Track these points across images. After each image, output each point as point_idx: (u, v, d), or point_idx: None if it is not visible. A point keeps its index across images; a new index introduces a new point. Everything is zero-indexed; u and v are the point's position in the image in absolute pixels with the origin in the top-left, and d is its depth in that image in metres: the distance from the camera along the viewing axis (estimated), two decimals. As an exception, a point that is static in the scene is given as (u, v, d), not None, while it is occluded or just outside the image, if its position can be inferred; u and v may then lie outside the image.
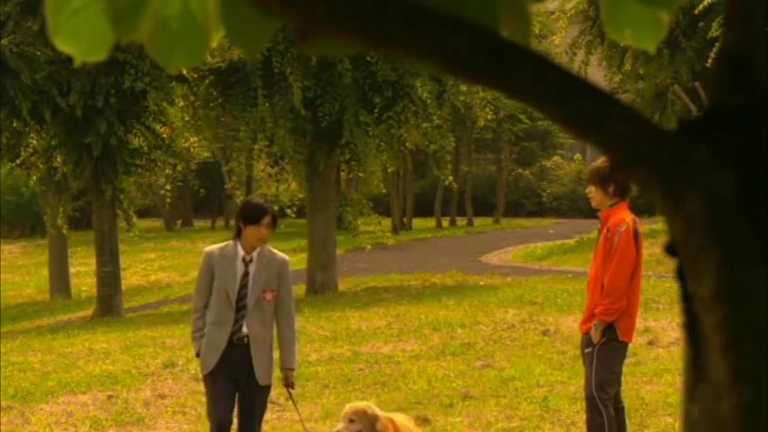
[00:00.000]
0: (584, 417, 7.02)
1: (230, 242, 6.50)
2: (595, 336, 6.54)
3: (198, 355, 6.57)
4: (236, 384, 6.46)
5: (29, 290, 28.03)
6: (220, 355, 6.39)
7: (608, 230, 6.51)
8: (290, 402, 6.98)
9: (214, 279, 6.42)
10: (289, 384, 6.64)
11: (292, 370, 6.63)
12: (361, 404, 6.29)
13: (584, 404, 7.04)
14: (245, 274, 6.40)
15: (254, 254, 6.41)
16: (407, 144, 20.27)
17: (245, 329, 6.40)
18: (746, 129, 1.09)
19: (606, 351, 6.58)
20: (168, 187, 21.93)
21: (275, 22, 1.15)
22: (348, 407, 6.24)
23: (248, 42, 1.14)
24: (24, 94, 17.84)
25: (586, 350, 6.65)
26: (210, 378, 6.49)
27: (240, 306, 6.40)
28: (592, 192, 6.65)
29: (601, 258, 6.56)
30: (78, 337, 15.30)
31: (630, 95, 26.60)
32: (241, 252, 6.41)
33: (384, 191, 23.61)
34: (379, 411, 6.19)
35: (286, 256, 6.62)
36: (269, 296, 6.40)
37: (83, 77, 17.89)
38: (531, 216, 43.97)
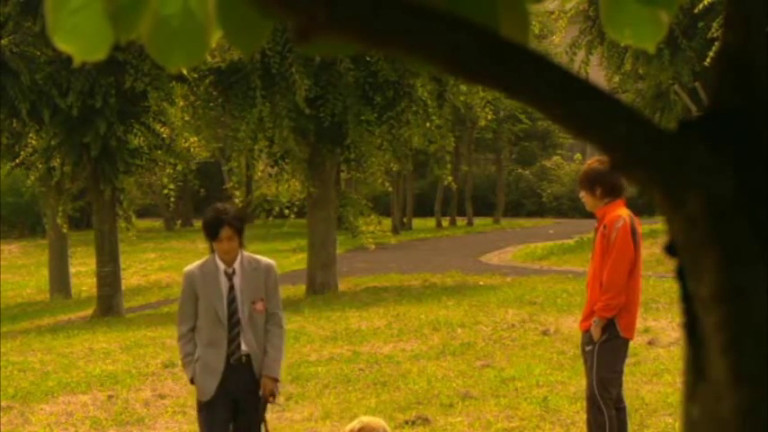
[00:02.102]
0: (584, 417, 7.00)
1: (209, 257, 6.06)
2: (596, 332, 6.51)
3: (192, 381, 6.09)
4: (236, 407, 6.04)
5: (29, 290, 28.03)
6: (220, 379, 5.95)
7: (604, 227, 6.51)
8: (264, 414, 6.19)
9: (198, 300, 5.99)
10: (270, 395, 6.01)
11: (276, 380, 6.04)
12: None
13: (584, 404, 7.02)
14: (231, 288, 5.96)
15: (236, 265, 5.98)
16: (409, 144, 20.29)
17: (243, 348, 5.96)
18: (746, 129, 1.09)
19: (607, 348, 6.55)
20: (172, 186, 21.95)
21: (272, 22, 1.15)
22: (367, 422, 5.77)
23: (245, 41, 1.14)
24: (24, 95, 17.84)
25: (587, 348, 6.61)
26: (208, 408, 6.02)
27: (233, 323, 5.95)
28: (583, 196, 6.67)
29: (599, 256, 6.55)
30: (78, 337, 15.30)
31: (630, 95, 26.60)
32: (222, 266, 5.97)
33: (390, 189, 23.62)
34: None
35: (272, 261, 6.17)
36: (259, 306, 5.98)
37: (82, 77, 17.89)
38: (531, 216, 43.99)
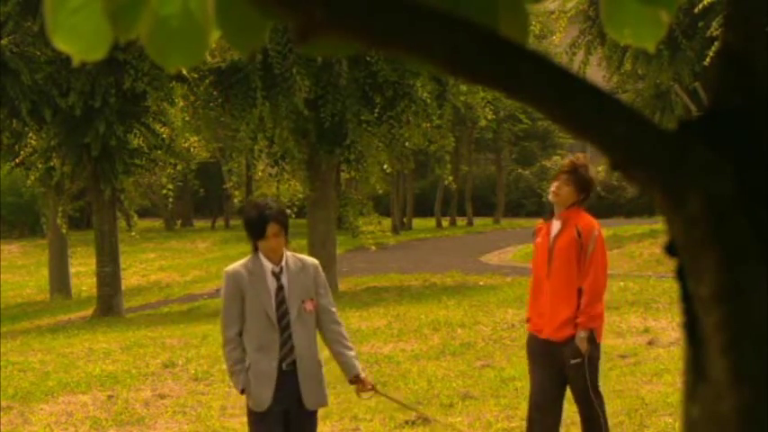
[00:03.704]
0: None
1: (251, 256, 5.68)
2: (584, 345, 6.37)
3: (243, 391, 5.69)
4: (287, 416, 5.71)
5: (29, 290, 28.05)
6: (275, 387, 5.61)
7: (579, 235, 6.41)
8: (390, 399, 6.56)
9: (244, 301, 5.61)
10: (368, 388, 5.90)
11: (360, 374, 5.93)
12: None
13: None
14: (280, 288, 5.63)
15: (283, 264, 5.65)
16: (408, 144, 20.32)
17: (295, 351, 5.67)
18: (746, 129, 1.08)
19: (594, 357, 6.49)
20: (171, 187, 21.98)
21: (271, 22, 1.15)
22: None
23: (244, 42, 1.14)
24: (24, 95, 17.85)
25: (573, 362, 6.40)
26: (263, 420, 5.65)
27: (284, 325, 5.62)
28: (564, 190, 6.42)
29: (574, 263, 6.37)
30: (78, 337, 15.30)
31: (630, 95, 26.63)
32: (268, 265, 5.63)
33: (380, 191, 23.65)
34: None
35: (316, 260, 5.89)
36: (309, 306, 5.66)
37: (82, 77, 17.90)
38: (531, 216, 43.97)
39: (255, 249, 5.67)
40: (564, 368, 6.52)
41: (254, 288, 5.59)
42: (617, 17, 1.27)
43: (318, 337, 5.88)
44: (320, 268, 5.81)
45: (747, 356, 1.04)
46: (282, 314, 5.62)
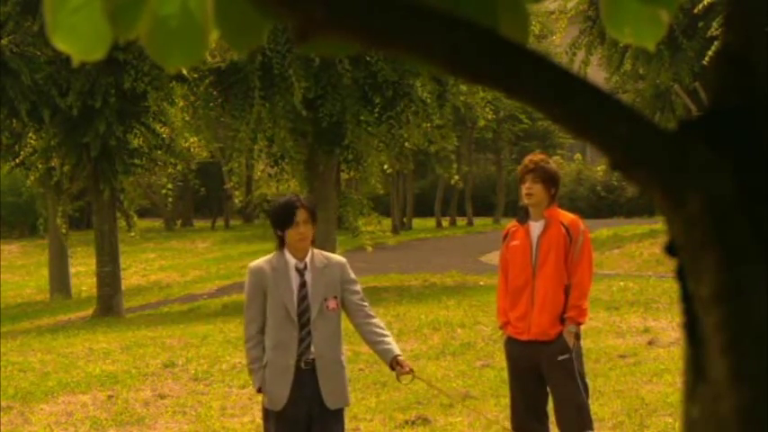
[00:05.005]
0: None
1: (276, 253, 5.61)
2: (572, 340, 6.32)
3: (260, 390, 5.61)
4: (310, 416, 5.56)
5: (29, 290, 28.05)
6: (291, 385, 5.50)
7: (567, 231, 6.40)
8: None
9: (266, 298, 5.53)
10: (406, 371, 5.64)
11: (399, 356, 5.68)
12: None
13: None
14: (303, 284, 5.53)
15: (307, 260, 5.56)
16: (407, 144, 20.33)
17: (312, 350, 5.54)
18: (746, 129, 1.08)
19: (579, 352, 6.48)
20: (170, 186, 21.98)
21: (270, 22, 1.15)
22: None
23: (243, 41, 1.14)
24: (24, 95, 17.86)
25: (561, 358, 6.33)
26: (278, 419, 5.54)
27: (304, 322, 5.52)
28: (535, 190, 6.37)
29: (562, 261, 6.34)
30: (78, 337, 15.30)
31: (630, 95, 26.64)
32: (292, 260, 5.54)
33: (381, 192, 23.63)
34: None
35: (342, 258, 5.81)
36: (332, 304, 5.57)
37: (82, 77, 17.90)
38: (531, 216, 43.95)
39: (281, 246, 5.59)
40: (540, 365, 6.43)
41: (275, 284, 5.51)
42: (617, 16, 1.27)
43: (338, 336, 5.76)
44: (347, 266, 5.70)
45: (747, 356, 1.04)
46: (303, 311, 5.53)
